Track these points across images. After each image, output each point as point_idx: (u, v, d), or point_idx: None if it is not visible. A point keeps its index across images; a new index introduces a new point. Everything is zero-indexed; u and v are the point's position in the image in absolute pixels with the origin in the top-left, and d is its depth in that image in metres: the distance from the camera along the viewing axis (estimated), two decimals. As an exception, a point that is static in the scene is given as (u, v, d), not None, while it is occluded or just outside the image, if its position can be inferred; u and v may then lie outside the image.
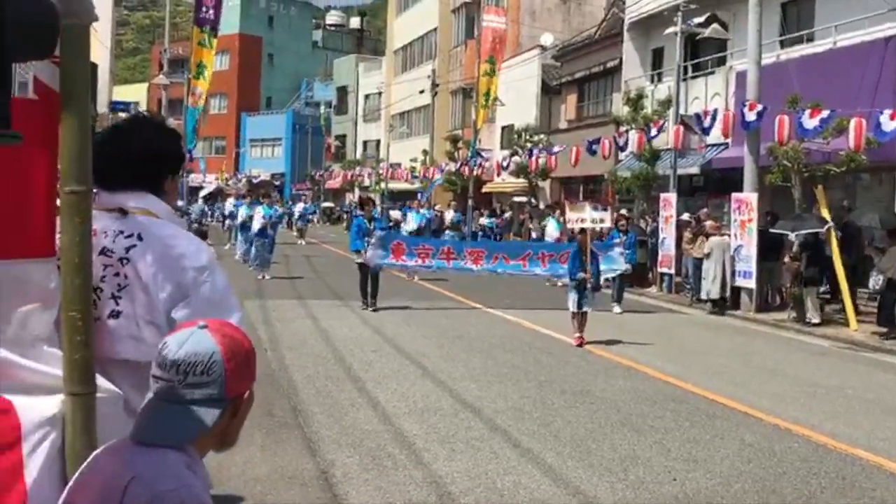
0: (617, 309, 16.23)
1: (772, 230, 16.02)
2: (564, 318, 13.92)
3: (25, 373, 2.18)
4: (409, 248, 16.53)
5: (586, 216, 13.52)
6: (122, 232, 2.59)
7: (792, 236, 15.31)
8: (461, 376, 9.76)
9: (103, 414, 2.23)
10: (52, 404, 2.17)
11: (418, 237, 20.93)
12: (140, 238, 2.59)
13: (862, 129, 14.66)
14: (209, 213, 42.55)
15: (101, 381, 2.25)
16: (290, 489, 5.83)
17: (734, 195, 17.22)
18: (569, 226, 17.81)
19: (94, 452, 1.96)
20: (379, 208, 22.81)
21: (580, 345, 11.99)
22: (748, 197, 16.71)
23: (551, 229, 22.35)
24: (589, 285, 12.39)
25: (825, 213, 15.08)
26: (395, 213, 27.87)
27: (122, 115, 32.64)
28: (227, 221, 31.82)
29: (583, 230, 13.03)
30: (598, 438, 7.35)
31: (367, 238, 15.32)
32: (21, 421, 2.12)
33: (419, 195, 37.65)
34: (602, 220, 13.89)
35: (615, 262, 15.62)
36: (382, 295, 15.40)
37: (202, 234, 30.78)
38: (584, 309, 12.26)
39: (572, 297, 12.33)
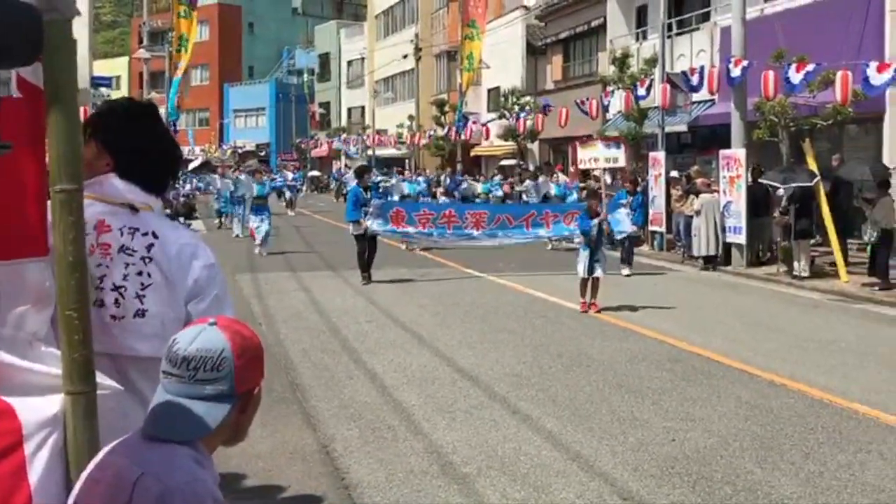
0: (626, 271, 15.82)
1: (761, 180, 15.99)
2: (558, 281, 13.97)
3: (24, 373, 2.16)
4: (409, 215, 15.97)
5: (599, 155, 12.86)
6: (137, 229, 2.58)
7: (781, 190, 15.30)
8: (458, 344, 9.78)
9: (105, 410, 2.22)
10: (52, 404, 2.16)
11: (418, 202, 20.42)
12: (155, 236, 2.59)
13: (848, 82, 14.57)
14: (200, 187, 42.14)
15: (100, 378, 2.24)
16: (292, 465, 5.86)
17: (722, 152, 17.19)
18: (580, 166, 17.10)
19: (103, 450, 1.96)
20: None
21: (585, 311, 11.71)
22: (736, 153, 16.67)
23: (552, 192, 22.24)
24: (602, 249, 11.90)
25: (813, 166, 15.07)
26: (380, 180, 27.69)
27: (104, 90, 32.29)
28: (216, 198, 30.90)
29: (592, 194, 12.60)
30: (597, 402, 7.39)
31: (365, 208, 14.88)
32: (22, 422, 2.10)
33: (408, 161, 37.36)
34: (616, 160, 13.13)
35: (621, 224, 15.07)
36: (374, 265, 15.09)
37: (191, 208, 30.66)
38: (596, 274, 11.74)
39: (582, 261, 11.78)
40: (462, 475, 5.67)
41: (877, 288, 13.40)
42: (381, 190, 21.21)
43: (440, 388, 7.87)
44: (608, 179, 19.00)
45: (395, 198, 21.65)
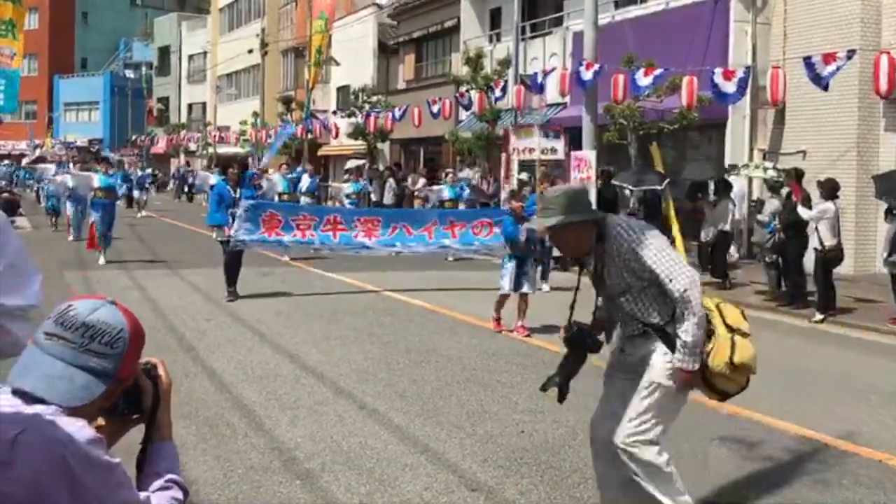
0: (545, 287, 13.55)
1: (614, 182, 16.27)
2: (406, 278, 13.69)
3: None
4: (285, 220, 13.41)
5: (535, 145, 11.54)
6: None
7: (628, 191, 15.61)
8: (302, 341, 9.43)
9: None
10: None
11: (296, 205, 17.14)
12: None
13: (694, 87, 15.02)
14: (32, 182, 39.22)
15: None
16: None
17: (573, 153, 17.40)
18: (513, 156, 15.28)
19: None
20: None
21: (499, 331, 10.14)
22: (586, 155, 16.91)
23: (446, 195, 18.63)
24: (532, 261, 10.38)
25: (661, 170, 15.45)
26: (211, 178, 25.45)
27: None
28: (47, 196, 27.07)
29: (515, 193, 10.52)
30: (446, 395, 7.22)
31: (232, 209, 12.49)
32: None
33: (253, 158, 36.27)
34: (554, 150, 11.54)
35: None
36: (212, 264, 13.84)
37: (14, 204, 28.52)
38: (524, 290, 10.05)
39: (508, 274, 10.02)
40: (305, 471, 5.38)
41: (717, 287, 13.84)
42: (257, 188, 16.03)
43: (283, 384, 7.52)
44: (524, 177, 17.48)
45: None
